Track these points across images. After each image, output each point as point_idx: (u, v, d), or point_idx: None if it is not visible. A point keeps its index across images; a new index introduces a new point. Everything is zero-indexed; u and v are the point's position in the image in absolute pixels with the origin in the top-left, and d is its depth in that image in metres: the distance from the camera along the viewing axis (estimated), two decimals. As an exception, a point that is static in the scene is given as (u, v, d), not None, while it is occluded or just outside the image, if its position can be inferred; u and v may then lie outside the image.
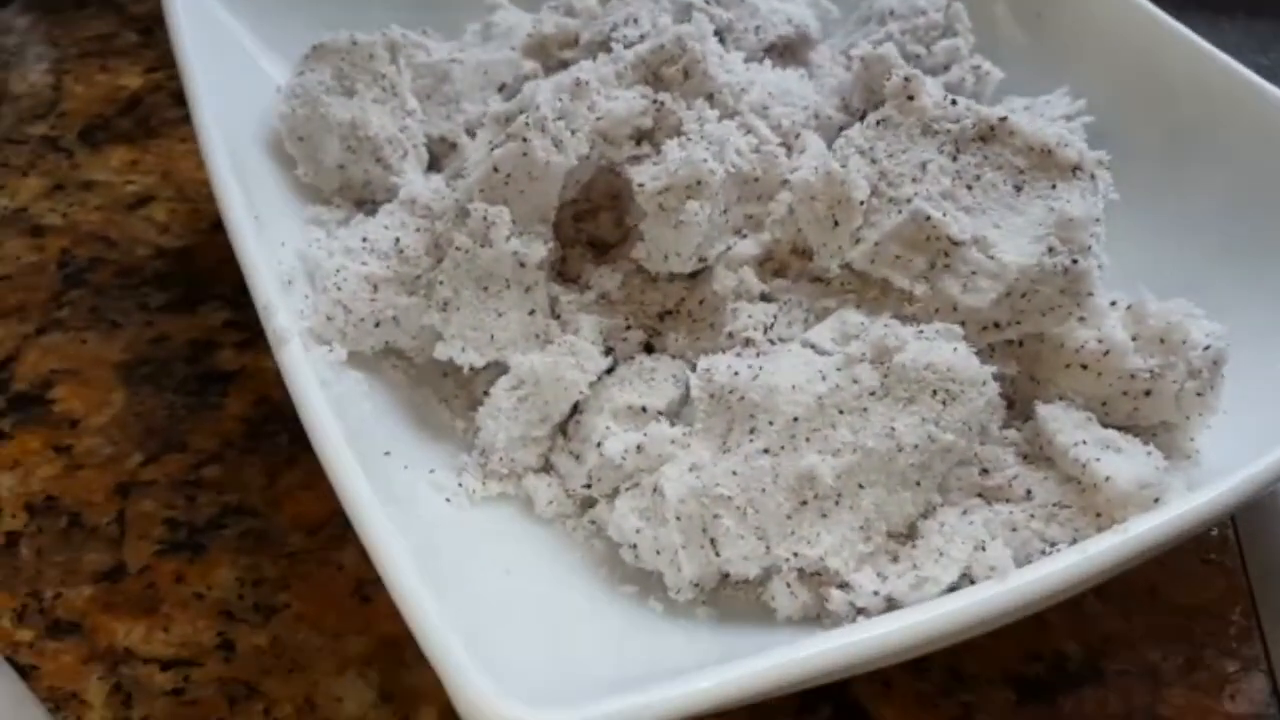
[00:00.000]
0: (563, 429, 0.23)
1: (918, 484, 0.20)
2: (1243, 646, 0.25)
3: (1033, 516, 0.20)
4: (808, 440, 0.20)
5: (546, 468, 0.23)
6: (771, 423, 0.21)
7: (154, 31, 0.42)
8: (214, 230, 0.33)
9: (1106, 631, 0.25)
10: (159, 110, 0.38)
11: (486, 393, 0.23)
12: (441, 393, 0.25)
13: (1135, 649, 0.25)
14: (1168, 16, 0.28)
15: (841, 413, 0.20)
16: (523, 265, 0.23)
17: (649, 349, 0.24)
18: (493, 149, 0.23)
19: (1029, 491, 0.21)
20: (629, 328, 0.24)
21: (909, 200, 0.22)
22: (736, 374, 0.21)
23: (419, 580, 0.17)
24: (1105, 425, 0.22)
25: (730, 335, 0.23)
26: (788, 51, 0.28)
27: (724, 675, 0.16)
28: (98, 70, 0.40)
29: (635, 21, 0.26)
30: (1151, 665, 0.24)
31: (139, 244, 0.33)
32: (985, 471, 0.21)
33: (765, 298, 0.24)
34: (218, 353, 0.30)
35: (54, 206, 0.35)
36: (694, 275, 0.25)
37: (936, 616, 0.17)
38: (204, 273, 0.32)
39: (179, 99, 0.38)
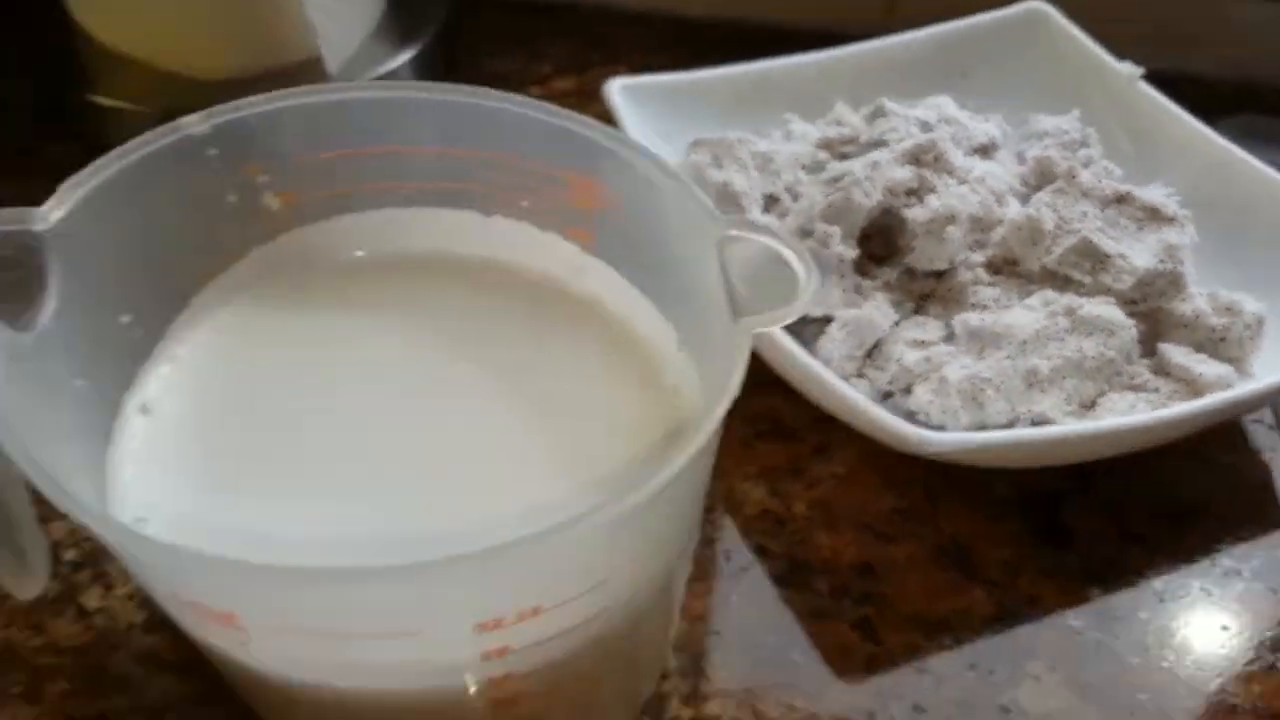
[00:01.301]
0: (868, 355, 0.39)
1: (1094, 379, 0.36)
2: None
3: (1158, 393, 0.36)
4: (1033, 351, 0.36)
5: (860, 374, 0.39)
6: (1010, 342, 0.37)
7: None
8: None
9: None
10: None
11: (824, 330, 0.39)
12: (802, 334, 0.40)
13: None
14: (1220, 139, 0.45)
15: (1050, 340, 0.37)
16: (842, 261, 0.40)
17: (917, 317, 0.41)
18: (829, 195, 0.40)
19: (1157, 388, 0.37)
20: (901, 304, 0.41)
21: (1078, 231, 0.39)
22: (984, 320, 0.38)
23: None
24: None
25: (972, 306, 0.39)
26: (985, 152, 0.45)
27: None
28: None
29: (897, 130, 0.43)
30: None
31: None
32: (1131, 376, 0.37)
33: (990, 287, 0.40)
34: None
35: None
36: (940, 275, 0.41)
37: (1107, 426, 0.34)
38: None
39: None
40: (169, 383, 0.30)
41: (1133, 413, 0.35)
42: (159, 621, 0.36)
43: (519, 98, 0.29)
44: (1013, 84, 0.48)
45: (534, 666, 0.24)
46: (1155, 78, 0.48)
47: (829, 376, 0.34)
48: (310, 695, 0.25)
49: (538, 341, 0.31)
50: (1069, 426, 0.34)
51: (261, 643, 0.22)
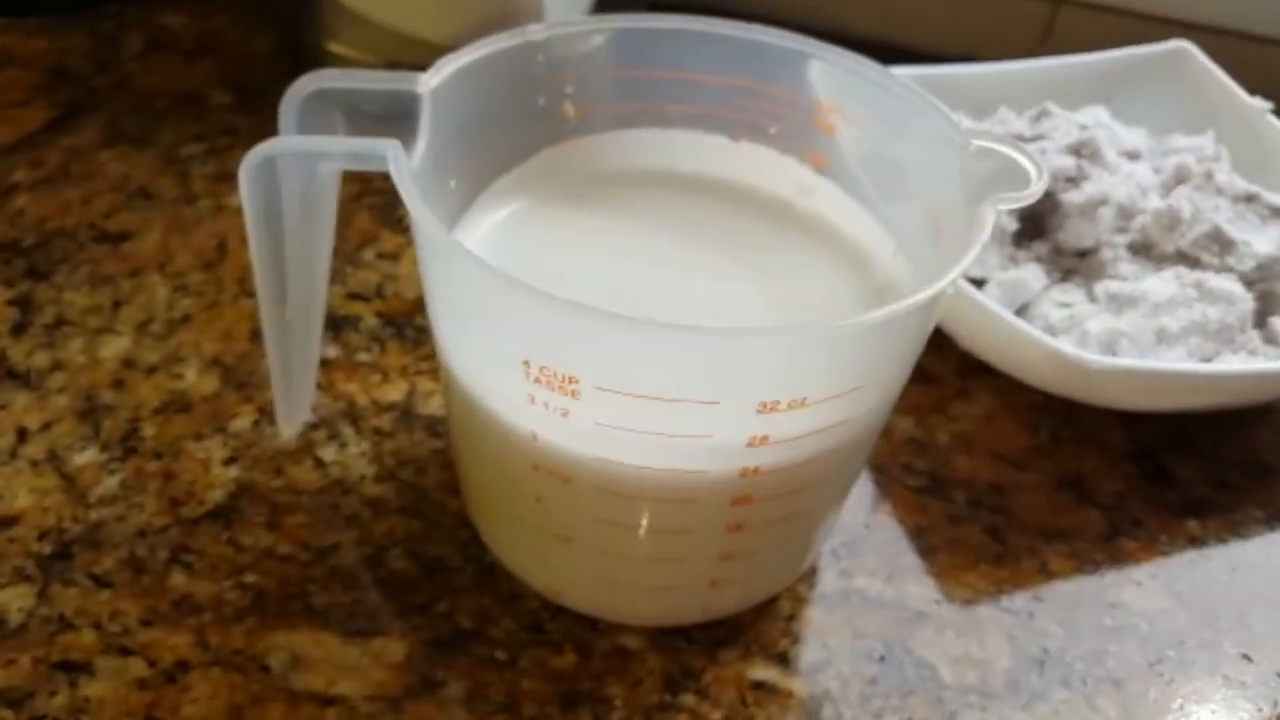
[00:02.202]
0: (1017, 313, 0.46)
1: (1214, 340, 0.43)
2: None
3: (1264, 357, 0.43)
4: (1164, 313, 0.43)
5: (1013, 328, 0.46)
6: (1144, 304, 0.43)
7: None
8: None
9: None
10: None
11: (980, 290, 0.46)
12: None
13: None
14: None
15: (1179, 305, 0.43)
16: (1003, 231, 0.47)
17: (1061, 287, 0.48)
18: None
19: (1265, 354, 0.43)
20: (1049, 274, 0.47)
21: (1210, 220, 0.45)
22: (1122, 286, 0.44)
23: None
24: (1303, 330, 0.44)
25: (1111, 278, 0.46)
26: (1131, 157, 0.51)
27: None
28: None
29: (1059, 129, 0.50)
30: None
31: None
32: (1244, 341, 0.44)
33: (1129, 264, 0.47)
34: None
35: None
36: (1084, 254, 0.48)
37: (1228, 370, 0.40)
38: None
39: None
40: (472, 245, 0.37)
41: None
42: (387, 474, 0.42)
43: (780, 31, 0.36)
44: (1154, 109, 0.55)
45: (779, 464, 0.31)
46: None
47: (1000, 308, 0.41)
48: (588, 478, 0.31)
49: (768, 249, 0.38)
50: (1196, 366, 0.40)
51: (586, 413, 0.29)
